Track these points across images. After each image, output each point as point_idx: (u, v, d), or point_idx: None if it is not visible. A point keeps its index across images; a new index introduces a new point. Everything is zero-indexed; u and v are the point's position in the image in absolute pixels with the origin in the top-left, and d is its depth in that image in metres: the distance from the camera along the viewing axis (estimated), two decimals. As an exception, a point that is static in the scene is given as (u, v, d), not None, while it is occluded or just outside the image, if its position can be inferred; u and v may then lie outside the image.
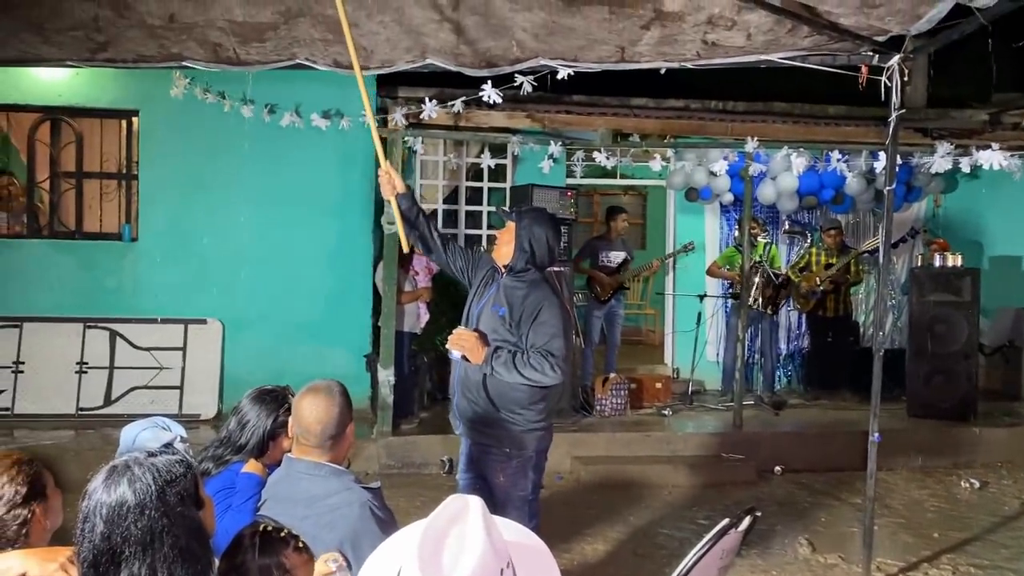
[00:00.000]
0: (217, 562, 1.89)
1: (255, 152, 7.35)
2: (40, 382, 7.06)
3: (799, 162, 7.07)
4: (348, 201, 7.55)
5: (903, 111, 4.25)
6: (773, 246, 8.51)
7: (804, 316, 8.97)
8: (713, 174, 7.65)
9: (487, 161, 7.95)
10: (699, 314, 8.34)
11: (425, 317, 7.13)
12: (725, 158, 7.20)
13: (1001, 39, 7.78)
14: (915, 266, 8.46)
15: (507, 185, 8.46)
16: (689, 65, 4.30)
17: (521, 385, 3.52)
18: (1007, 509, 5.98)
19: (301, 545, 2.00)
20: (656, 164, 7.53)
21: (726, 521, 2.37)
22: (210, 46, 4.23)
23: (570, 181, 8.47)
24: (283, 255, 7.48)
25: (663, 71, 4.45)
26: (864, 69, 4.23)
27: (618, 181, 10.77)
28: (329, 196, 7.55)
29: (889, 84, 4.13)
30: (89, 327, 7.24)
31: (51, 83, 7.24)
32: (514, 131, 7.33)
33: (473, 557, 1.19)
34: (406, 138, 6.94)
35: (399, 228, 3.69)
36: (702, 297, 8.46)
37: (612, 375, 7.64)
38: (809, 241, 8.69)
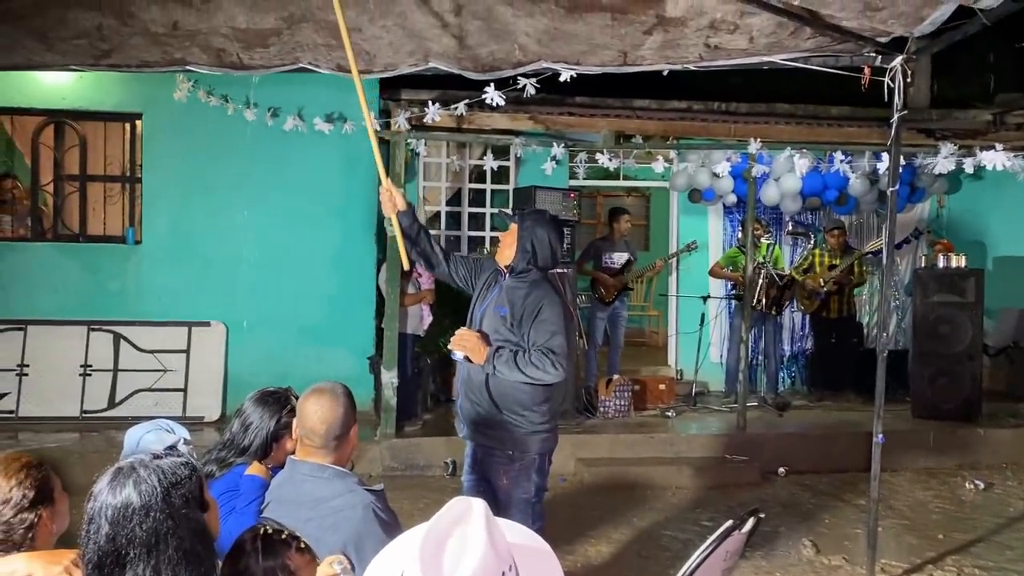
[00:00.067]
0: (220, 565, 1.89)
1: (258, 155, 7.37)
2: (44, 385, 7.08)
3: (802, 163, 7.06)
4: (351, 204, 7.57)
5: (905, 112, 4.24)
6: (776, 247, 8.50)
7: (808, 317, 8.96)
8: (716, 175, 7.64)
9: (490, 163, 7.96)
10: (702, 315, 8.34)
11: (428, 319, 7.14)
12: (728, 159, 7.20)
13: (1004, 39, 7.79)
14: (919, 267, 8.44)
15: (510, 187, 8.46)
16: (691, 66, 4.30)
17: (523, 384, 3.52)
18: (1012, 510, 5.96)
19: (303, 546, 2.00)
20: (659, 165, 7.53)
21: (730, 523, 2.36)
22: (213, 52, 4.24)
23: (573, 183, 8.47)
24: (286, 258, 7.50)
25: (665, 73, 4.46)
26: (867, 70, 4.23)
27: (621, 183, 10.77)
28: (332, 199, 7.56)
29: (892, 85, 4.13)
30: (93, 330, 7.25)
31: (55, 86, 7.27)
32: (517, 133, 7.34)
33: (475, 559, 1.19)
34: (409, 141, 6.95)
35: (400, 245, 3.71)
36: (705, 298, 8.45)
37: (616, 377, 7.64)
38: (812, 242, 8.68)
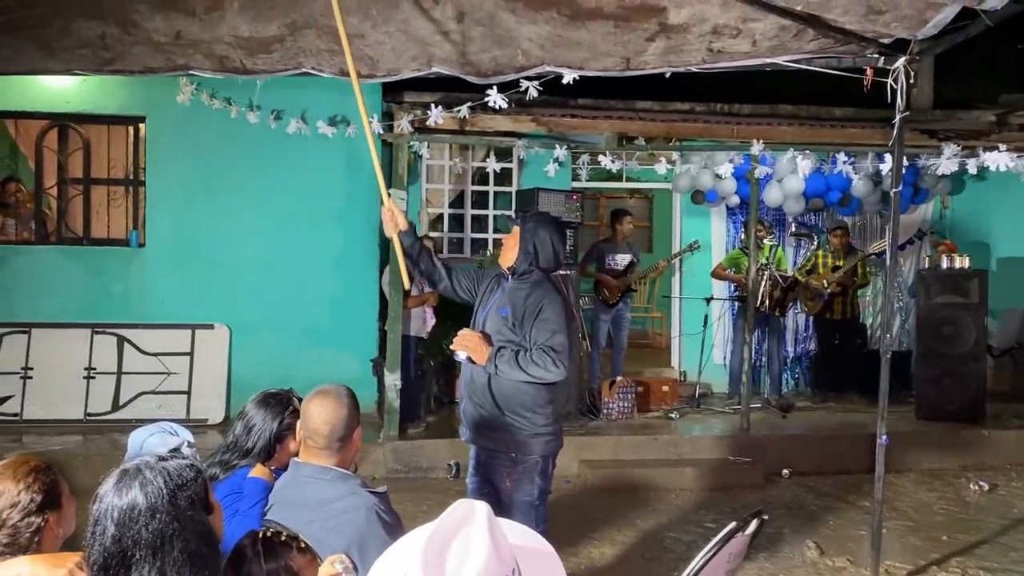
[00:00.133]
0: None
1: (261, 158, 7.39)
2: (48, 387, 7.10)
3: (805, 164, 7.05)
4: (354, 206, 7.58)
5: (907, 113, 4.23)
6: (779, 249, 8.50)
7: (811, 318, 8.95)
8: (719, 177, 7.63)
9: (492, 165, 7.97)
10: (706, 317, 8.33)
11: (431, 321, 7.14)
12: (731, 161, 7.19)
13: (1008, 40, 7.78)
14: (922, 268, 8.44)
15: (513, 189, 8.46)
16: (694, 68, 4.30)
17: (526, 385, 3.53)
18: (1016, 511, 5.95)
19: (303, 546, 2.00)
20: (662, 167, 7.52)
21: (733, 524, 2.36)
22: (216, 58, 4.25)
23: (576, 184, 8.47)
24: (290, 260, 7.51)
25: (668, 75, 4.46)
26: (869, 71, 4.22)
27: (624, 184, 10.77)
28: (335, 201, 7.57)
29: (895, 86, 4.12)
30: (97, 333, 7.27)
31: (58, 90, 7.29)
32: (519, 135, 7.34)
33: (478, 563, 1.19)
34: (412, 143, 6.96)
35: (401, 264, 3.72)
36: (709, 300, 8.45)
37: (619, 378, 7.63)
38: (816, 243, 8.67)
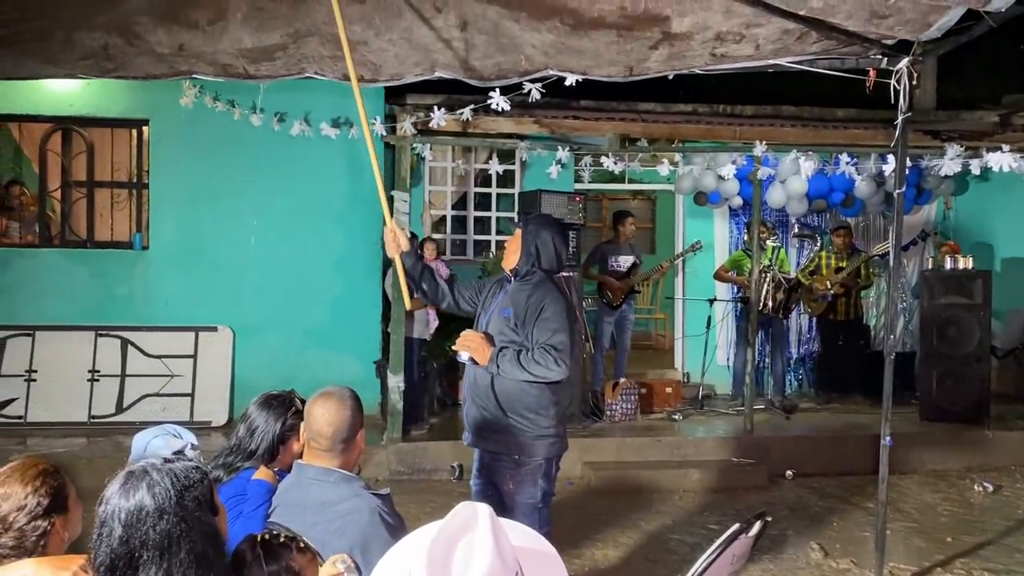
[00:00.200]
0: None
1: (265, 160, 7.40)
2: (52, 390, 7.11)
3: (808, 165, 7.04)
4: (357, 208, 7.58)
5: (909, 114, 4.23)
6: (782, 250, 8.49)
7: (814, 320, 8.94)
8: (722, 178, 7.63)
9: (495, 167, 7.97)
10: (709, 318, 8.33)
11: (435, 323, 7.15)
12: (733, 162, 7.19)
13: (1011, 40, 7.76)
14: (926, 269, 8.43)
15: (515, 191, 8.47)
16: (697, 70, 4.31)
17: (529, 385, 3.54)
18: (1021, 512, 5.94)
19: (303, 545, 2.01)
20: (664, 168, 7.52)
21: (737, 526, 2.36)
22: (220, 66, 4.26)
23: (578, 186, 8.47)
24: (293, 262, 7.52)
25: (671, 76, 4.46)
26: (872, 72, 4.22)
27: (626, 186, 10.78)
28: (338, 203, 7.58)
29: (898, 87, 4.12)
30: (101, 335, 7.28)
31: (62, 93, 7.30)
32: (522, 137, 7.34)
33: (481, 567, 1.19)
34: (415, 145, 6.96)
35: (402, 286, 3.75)
36: (712, 301, 8.44)
37: (622, 380, 7.63)
38: (819, 244, 8.67)
